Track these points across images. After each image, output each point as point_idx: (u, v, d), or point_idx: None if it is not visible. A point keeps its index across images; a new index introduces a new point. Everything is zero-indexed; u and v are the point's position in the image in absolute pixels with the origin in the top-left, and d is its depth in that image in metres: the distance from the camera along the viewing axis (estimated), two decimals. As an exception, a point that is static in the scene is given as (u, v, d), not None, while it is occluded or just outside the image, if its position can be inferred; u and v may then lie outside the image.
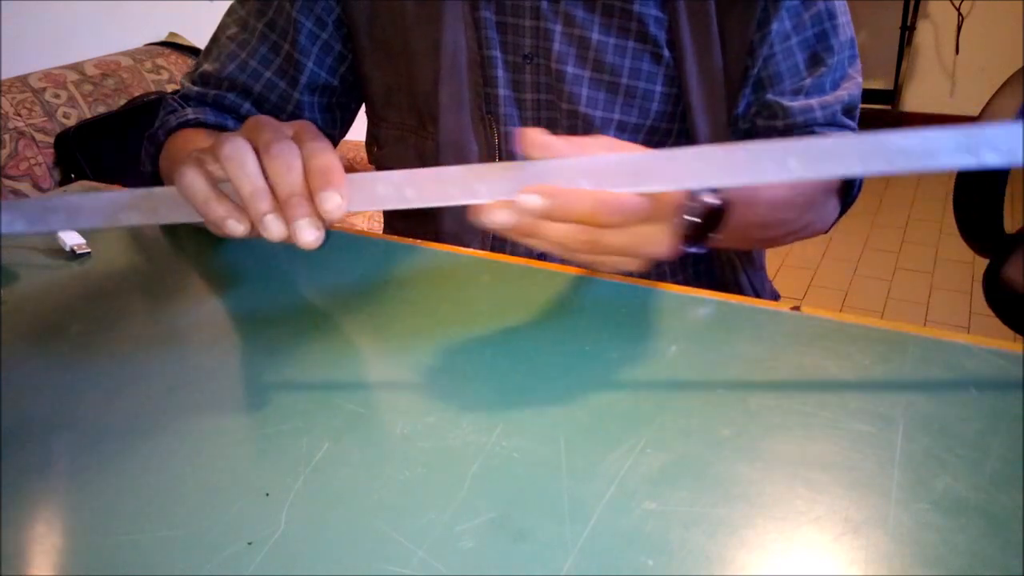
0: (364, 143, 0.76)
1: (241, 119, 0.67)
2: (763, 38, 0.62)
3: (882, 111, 3.17)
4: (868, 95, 3.22)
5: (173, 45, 1.83)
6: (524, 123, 0.65)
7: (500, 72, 0.64)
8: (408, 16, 0.63)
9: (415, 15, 0.63)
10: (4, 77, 1.53)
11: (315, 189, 0.40)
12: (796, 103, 0.63)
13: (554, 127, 0.64)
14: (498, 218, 0.40)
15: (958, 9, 2.99)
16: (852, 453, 0.35)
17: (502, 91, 0.64)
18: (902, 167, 0.37)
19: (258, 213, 0.41)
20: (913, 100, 3.28)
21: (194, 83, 0.69)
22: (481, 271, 0.53)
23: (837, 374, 0.40)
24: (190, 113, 0.66)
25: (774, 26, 0.61)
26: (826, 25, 0.62)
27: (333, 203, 0.40)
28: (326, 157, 0.41)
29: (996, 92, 1.31)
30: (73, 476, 0.37)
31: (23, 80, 1.52)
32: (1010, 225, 1.26)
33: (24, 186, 1.46)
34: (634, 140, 0.63)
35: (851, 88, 0.65)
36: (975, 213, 1.26)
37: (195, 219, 0.43)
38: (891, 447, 0.35)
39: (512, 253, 0.59)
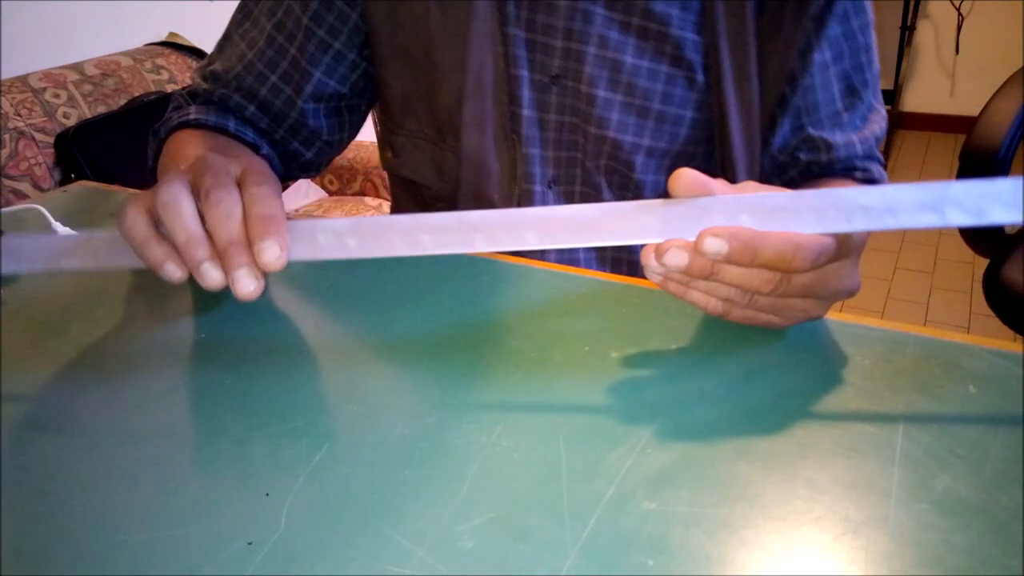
0: (375, 144, 0.75)
1: (247, 121, 0.67)
2: (805, 67, 0.60)
3: (882, 111, 3.16)
4: (868, 95, 3.23)
5: (173, 45, 1.83)
6: (545, 145, 0.64)
7: (525, 92, 0.62)
8: (433, 27, 0.61)
9: (440, 27, 0.61)
10: (4, 77, 1.53)
11: (254, 238, 0.39)
12: (839, 138, 0.63)
13: (575, 150, 0.63)
14: (672, 261, 0.37)
15: (958, 9, 2.99)
16: (852, 453, 0.35)
17: (526, 111, 0.62)
18: (862, 225, 0.37)
19: (193, 261, 0.39)
20: (913, 100, 3.28)
21: (204, 79, 0.69)
22: (481, 271, 0.53)
23: (837, 374, 0.40)
24: (192, 113, 0.65)
25: (816, 56, 0.60)
26: (863, 58, 0.62)
27: (271, 254, 0.39)
28: (267, 205, 0.40)
29: (996, 92, 1.31)
30: (73, 476, 0.37)
31: (23, 80, 1.52)
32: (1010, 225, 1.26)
33: (24, 186, 1.46)
34: (660, 165, 0.63)
35: (880, 122, 0.65)
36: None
37: (136, 264, 0.42)
38: (891, 447, 0.35)
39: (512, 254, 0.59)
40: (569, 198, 0.65)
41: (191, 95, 0.69)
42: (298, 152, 0.70)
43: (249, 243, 0.39)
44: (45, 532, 0.33)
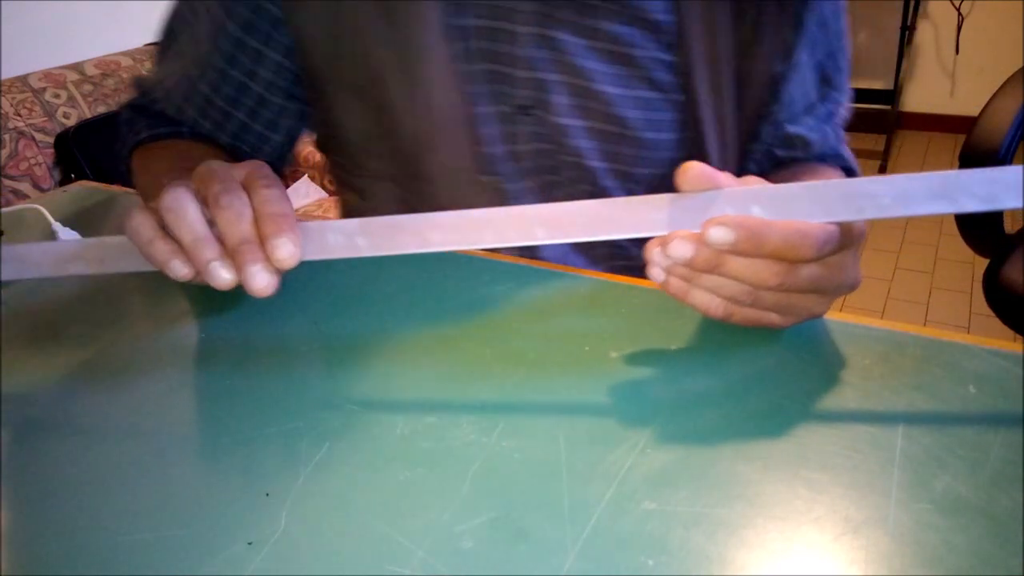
0: (334, 196, 0.71)
1: (191, 125, 0.65)
2: (788, 71, 0.59)
3: (882, 111, 3.17)
4: (868, 95, 3.23)
5: (173, 45, 1.83)
6: (524, 176, 0.60)
7: (490, 129, 0.58)
8: (382, 66, 0.57)
9: (390, 66, 0.56)
10: (4, 77, 1.53)
11: (267, 236, 0.39)
12: (815, 135, 0.62)
13: (555, 174, 0.61)
14: (676, 252, 0.37)
15: (958, 9, 2.99)
16: (852, 453, 0.35)
17: (495, 149, 0.59)
18: (874, 214, 0.37)
19: (201, 261, 0.39)
20: (913, 100, 3.28)
21: (144, 91, 0.67)
22: (481, 271, 0.53)
23: (837, 374, 0.40)
24: (143, 132, 0.64)
25: (796, 58, 0.59)
26: (835, 45, 0.61)
27: (286, 251, 0.38)
28: (278, 204, 0.40)
29: (996, 92, 1.31)
30: (73, 476, 0.37)
31: (23, 80, 1.52)
32: (1010, 225, 1.26)
33: (24, 186, 1.46)
34: (644, 192, 0.61)
35: (846, 103, 0.65)
36: (975, 213, 1.26)
37: (142, 268, 0.43)
38: (891, 447, 0.35)
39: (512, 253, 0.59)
40: None
41: (136, 108, 0.67)
42: (250, 156, 0.66)
43: (261, 242, 0.39)
44: (45, 532, 0.33)
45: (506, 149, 0.59)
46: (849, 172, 0.66)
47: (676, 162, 0.61)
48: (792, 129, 0.62)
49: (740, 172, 0.62)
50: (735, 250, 0.36)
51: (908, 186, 0.36)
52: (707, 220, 0.37)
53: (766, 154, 0.64)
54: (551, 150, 0.59)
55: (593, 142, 0.59)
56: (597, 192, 0.61)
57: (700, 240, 0.37)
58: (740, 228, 0.36)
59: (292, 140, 0.68)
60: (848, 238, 0.39)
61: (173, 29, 0.65)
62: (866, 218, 0.37)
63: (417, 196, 0.62)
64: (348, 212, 0.69)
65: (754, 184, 0.39)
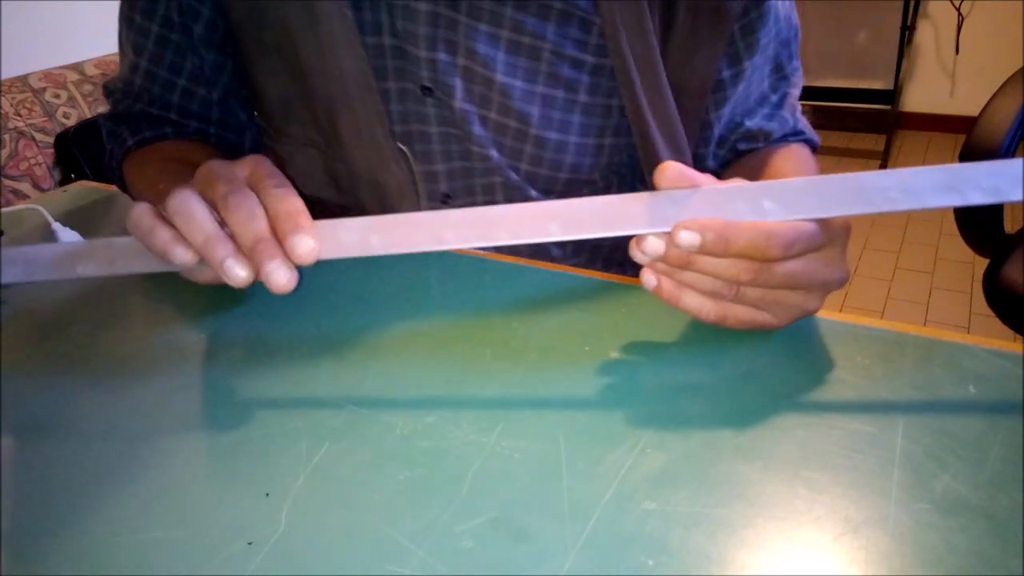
0: None
1: (173, 124, 0.64)
2: (737, 75, 0.58)
3: (882, 111, 3.17)
4: (868, 95, 3.24)
5: (173, 45, 1.83)
6: (431, 159, 0.59)
7: (396, 106, 0.57)
8: (293, 28, 0.55)
9: (302, 27, 0.55)
10: (4, 77, 1.53)
11: (285, 233, 0.38)
12: (774, 124, 0.62)
13: (468, 161, 0.59)
14: (649, 248, 0.38)
15: (958, 9, 2.99)
16: (852, 453, 0.35)
17: (401, 126, 0.58)
18: (883, 207, 0.37)
19: (215, 259, 0.38)
20: (913, 100, 3.28)
21: (116, 97, 0.65)
22: (481, 271, 0.53)
23: (837, 374, 0.40)
24: (128, 139, 0.63)
25: (747, 63, 0.58)
26: (787, 33, 0.60)
27: (305, 247, 0.38)
28: (290, 201, 0.39)
29: (996, 92, 1.31)
30: (73, 476, 0.37)
31: (23, 80, 1.52)
32: (1010, 225, 1.26)
33: (24, 186, 1.46)
34: (558, 191, 0.59)
35: (798, 80, 0.64)
36: (975, 213, 1.26)
37: (152, 269, 0.42)
38: (891, 447, 0.35)
39: (512, 254, 0.59)
40: None
41: (115, 118, 0.66)
42: (237, 144, 0.67)
43: (279, 239, 0.38)
44: (45, 532, 0.33)
45: (414, 128, 0.58)
46: (811, 144, 0.65)
47: (593, 169, 0.59)
48: (750, 123, 0.62)
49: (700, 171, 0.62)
50: (703, 251, 0.37)
51: (915, 179, 0.37)
52: (676, 224, 0.37)
53: (730, 150, 0.63)
54: (458, 135, 0.58)
55: (490, 134, 0.57)
56: (510, 187, 0.60)
57: (669, 241, 0.38)
58: (706, 231, 0.37)
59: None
60: (829, 234, 0.39)
61: (121, 30, 0.64)
62: (874, 211, 0.37)
63: (339, 163, 0.60)
64: None
65: (737, 183, 0.39)
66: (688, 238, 0.37)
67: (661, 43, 0.55)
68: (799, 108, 0.65)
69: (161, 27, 0.61)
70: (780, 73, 0.62)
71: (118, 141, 0.64)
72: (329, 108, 0.57)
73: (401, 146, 0.58)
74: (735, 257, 0.38)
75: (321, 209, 0.64)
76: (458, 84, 0.56)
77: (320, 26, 0.54)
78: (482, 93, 0.56)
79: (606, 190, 0.62)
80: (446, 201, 0.61)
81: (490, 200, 0.61)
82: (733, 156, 0.64)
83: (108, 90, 0.66)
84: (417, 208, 0.60)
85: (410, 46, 0.55)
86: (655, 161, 0.56)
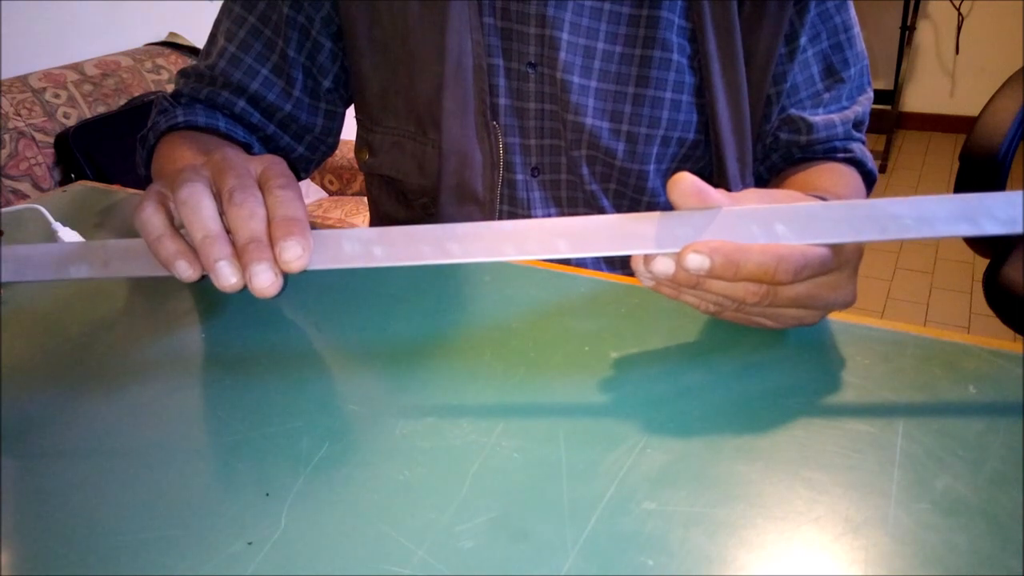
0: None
1: (235, 117, 0.67)
2: (791, 54, 0.62)
3: (882, 111, 3.17)
4: (868, 95, 3.23)
5: (173, 45, 1.83)
6: (526, 133, 0.64)
7: (502, 81, 0.63)
8: (411, 18, 0.62)
9: (419, 17, 0.62)
10: (4, 77, 1.53)
11: (277, 238, 0.39)
12: (819, 118, 0.63)
13: (557, 138, 0.64)
14: (658, 269, 0.38)
15: (958, 9, 2.99)
16: (852, 453, 0.35)
17: (504, 100, 0.63)
18: (897, 235, 0.37)
19: (209, 259, 0.39)
20: (913, 100, 3.28)
21: (188, 80, 0.68)
22: (481, 271, 0.53)
23: (837, 374, 0.40)
24: (180, 115, 0.64)
25: (800, 41, 0.61)
26: (841, 38, 0.63)
27: (293, 253, 0.38)
28: (292, 207, 0.40)
29: (996, 92, 1.31)
30: (73, 477, 0.37)
31: (23, 80, 1.52)
32: (1010, 225, 1.25)
33: (24, 186, 1.46)
34: (646, 153, 0.63)
35: (865, 103, 0.66)
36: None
37: (146, 273, 0.42)
38: (891, 447, 0.35)
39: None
40: (554, 187, 0.66)
41: (175, 97, 0.68)
42: (290, 147, 0.70)
43: (271, 243, 0.39)
44: (45, 532, 0.33)
45: (514, 103, 0.63)
46: (861, 168, 0.66)
47: (679, 124, 0.63)
48: (795, 111, 0.63)
49: (752, 149, 0.64)
50: (712, 275, 0.37)
51: (931, 208, 0.36)
52: (685, 246, 0.37)
53: (772, 137, 0.65)
54: (556, 111, 0.63)
55: (593, 100, 0.62)
56: (597, 155, 0.63)
57: (678, 263, 0.38)
58: (716, 255, 0.37)
59: (336, 111, 0.71)
60: (840, 259, 0.40)
61: (218, 19, 0.68)
62: (889, 239, 0.37)
63: (425, 147, 0.65)
64: (363, 167, 0.72)
65: (749, 197, 0.39)
66: (697, 261, 0.37)
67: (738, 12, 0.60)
68: (865, 143, 0.67)
69: (257, 20, 0.66)
70: (833, 78, 0.64)
71: (167, 116, 0.65)
72: (435, 88, 0.62)
73: (493, 122, 0.63)
74: (744, 280, 0.38)
75: (398, 189, 0.70)
76: (562, 57, 0.60)
77: (446, 12, 0.60)
78: (584, 64, 0.61)
79: (693, 146, 0.65)
80: (535, 174, 0.65)
81: (575, 171, 0.65)
82: (774, 146, 0.65)
83: (184, 72, 0.69)
84: (499, 181, 0.65)
85: (519, 25, 0.61)
86: (716, 135, 0.62)
